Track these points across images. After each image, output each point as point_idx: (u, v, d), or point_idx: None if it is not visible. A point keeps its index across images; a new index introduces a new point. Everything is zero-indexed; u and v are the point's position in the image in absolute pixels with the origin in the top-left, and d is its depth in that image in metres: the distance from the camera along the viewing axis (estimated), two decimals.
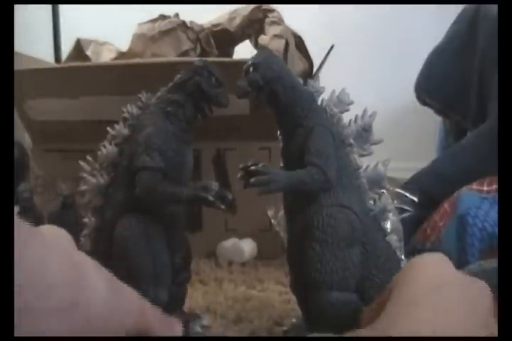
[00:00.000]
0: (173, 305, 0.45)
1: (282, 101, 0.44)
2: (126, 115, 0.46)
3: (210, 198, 0.39)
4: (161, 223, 0.44)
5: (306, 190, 0.41)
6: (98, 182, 0.45)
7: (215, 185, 0.40)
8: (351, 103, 0.45)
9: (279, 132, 0.46)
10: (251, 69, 0.43)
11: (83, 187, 0.46)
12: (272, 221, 0.69)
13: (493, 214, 0.63)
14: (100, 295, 0.28)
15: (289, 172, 0.42)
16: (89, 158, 0.46)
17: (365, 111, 0.45)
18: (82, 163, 0.46)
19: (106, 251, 0.43)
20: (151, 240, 0.43)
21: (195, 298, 0.57)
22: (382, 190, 0.45)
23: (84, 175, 0.45)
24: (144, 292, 0.39)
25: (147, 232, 0.43)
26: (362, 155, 0.45)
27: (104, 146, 0.45)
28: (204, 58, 0.48)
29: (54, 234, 0.33)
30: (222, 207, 0.40)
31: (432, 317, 0.27)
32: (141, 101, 0.46)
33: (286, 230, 0.46)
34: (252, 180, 0.40)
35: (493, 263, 0.53)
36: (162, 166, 0.42)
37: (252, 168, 0.41)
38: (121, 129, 0.45)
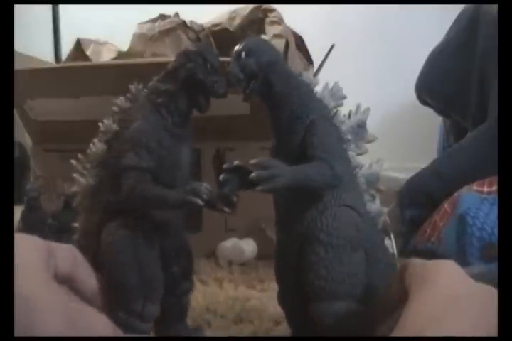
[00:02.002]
0: (173, 318, 0.42)
1: (277, 91, 0.39)
2: (115, 108, 0.41)
3: (200, 202, 0.35)
4: (152, 229, 0.39)
5: (312, 186, 0.37)
6: (88, 183, 0.41)
7: (205, 187, 0.35)
8: (345, 97, 0.42)
9: (273, 128, 0.41)
10: (243, 54, 0.38)
11: (74, 189, 0.42)
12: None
13: (493, 216, 0.63)
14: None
15: (294, 167, 0.36)
16: (81, 156, 0.42)
17: (358, 106, 0.43)
18: (74, 162, 0.42)
19: (93, 258, 0.39)
20: (138, 248, 0.38)
21: (195, 297, 0.57)
22: (374, 192, 0.42)
23: (75, 175, 0.42)
24: (130, 306, 0.37)
25: (134, 239, 0.38)
26: (357, 154, 0.42)
27: (94, 144, 0.41)
28: (198, 42, 0.44)
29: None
30: (226, 209, 0.38)
31: (459, 329, 0.27)
32: (131, 92, 0.41)
33: (277, 236, 0.41)
34: (253, 175, 0.35)
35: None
36: (150, 166, 0.38)
37: (252, 161, 0.36)
38: (109, 124, 0.41)
